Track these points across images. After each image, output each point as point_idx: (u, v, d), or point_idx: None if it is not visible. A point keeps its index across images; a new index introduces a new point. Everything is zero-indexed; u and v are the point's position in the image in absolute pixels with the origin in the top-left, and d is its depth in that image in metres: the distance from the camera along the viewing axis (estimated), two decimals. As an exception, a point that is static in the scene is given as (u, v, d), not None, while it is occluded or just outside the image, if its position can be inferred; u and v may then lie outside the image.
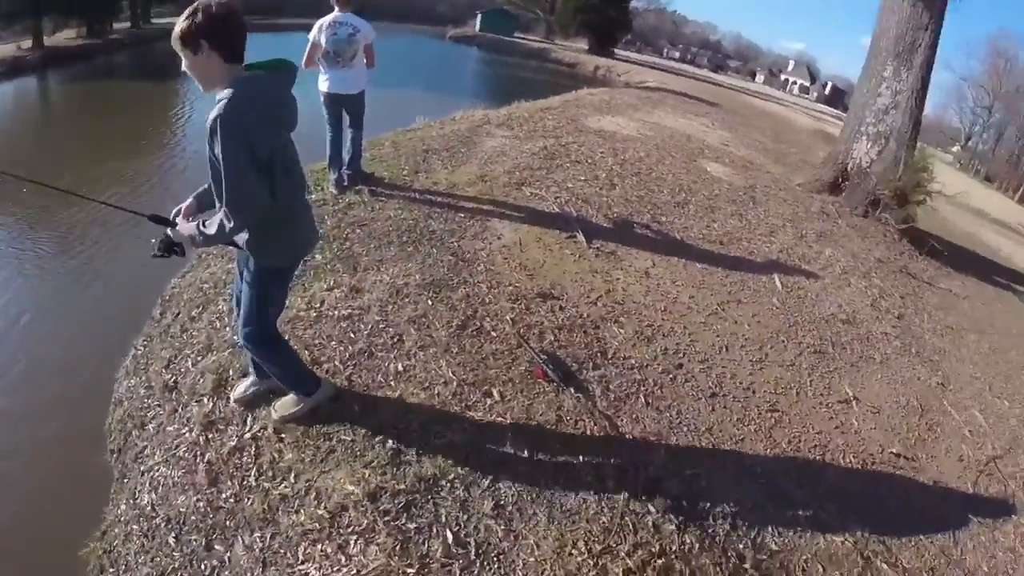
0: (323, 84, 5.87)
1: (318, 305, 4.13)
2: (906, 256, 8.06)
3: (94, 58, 35.90)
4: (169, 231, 2.51)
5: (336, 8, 5.72)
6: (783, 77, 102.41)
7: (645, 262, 5.58)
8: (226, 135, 2.15)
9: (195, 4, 2.19)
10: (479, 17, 63.83)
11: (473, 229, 5.49)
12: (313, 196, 6.05)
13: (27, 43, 40.54)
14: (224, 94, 2.20)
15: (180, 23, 2.20)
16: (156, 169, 10.33)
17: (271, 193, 2.38)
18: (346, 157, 6.19)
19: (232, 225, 2.30)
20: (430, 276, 4.56)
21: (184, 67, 2.28)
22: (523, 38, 59.98)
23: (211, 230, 2.35)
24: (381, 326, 3.96)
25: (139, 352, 4.06)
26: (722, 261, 6.06)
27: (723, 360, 4.49)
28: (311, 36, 5.73)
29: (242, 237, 2.51)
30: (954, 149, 60.29)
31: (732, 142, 13.32)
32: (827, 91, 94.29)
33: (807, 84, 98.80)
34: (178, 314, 4.33)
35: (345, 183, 6.17)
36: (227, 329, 3.93)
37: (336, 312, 4.06)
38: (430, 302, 4.25)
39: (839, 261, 6.94)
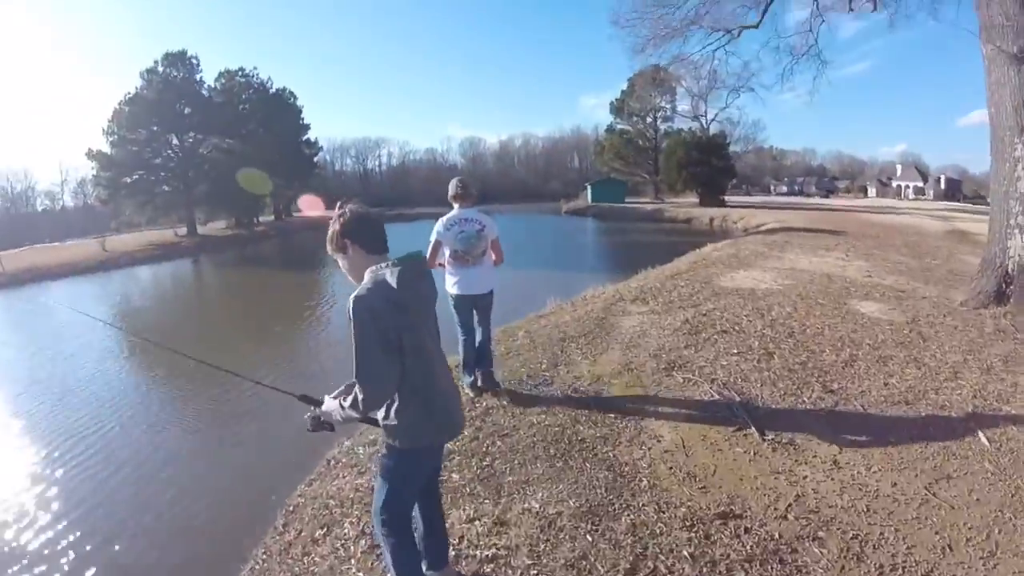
0: (453, 287, 5.61)
1: (456, 542, 3.61)
2: (1099, 356, 6.74)
3: (243, 246, 40.90)
4: (316, 409, 2.76)
5: (457, 205, 5.55)
6: (895, 184, 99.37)
7: (830, 448, 4.73)
8: (356, 315, 2.39)
9: (335, 213, 2.60)
10: (589, 189, 66.71)
11: (627, 432, 4.89)
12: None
13: (183, 230, 46.47)
14: (365, 281, 2.50)
15: (328, 232, 2.62)
16: (307, 352, 11.84)
17: (402, 372, 2.51)
18: (479, 361, 5.87)
19: (363, 399, 2.46)
20: (586, 501, 3.95)
21: (341, 267, 2.67)
22: (634, 202, 61.91)
23: (347, 403, 2.54)
24: (533, 572, 3.36)
25: (256, 567, 3.77)
26: (914, 428, 5.09)
27: (950, 567, 3.49)
28: (433, 236, 5.52)
29: (379, 415, 2.65)
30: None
31: (873, 271, 12.48)
32: (942, 186, 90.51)
33: (920, 184, 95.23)
34: (300, 532, 3.99)
35: (479, 384, 5.83)
36: (352, 561, 3.55)
37: (479, 552, 3.52)
38: (589, 538, 3.60)
39: (1039, 390, 5.80)
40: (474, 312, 5.78)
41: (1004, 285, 8.45)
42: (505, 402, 5.53)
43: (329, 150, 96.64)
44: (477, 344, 5.83)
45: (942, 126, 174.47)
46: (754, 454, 4.61)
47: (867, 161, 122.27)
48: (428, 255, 5.50)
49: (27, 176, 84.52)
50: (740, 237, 25.00)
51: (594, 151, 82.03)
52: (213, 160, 51.11)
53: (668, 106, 69.89)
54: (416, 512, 3.04)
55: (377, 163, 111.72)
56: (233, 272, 31.01)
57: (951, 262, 13.81)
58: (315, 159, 68.99)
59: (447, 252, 5.55)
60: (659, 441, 4.78)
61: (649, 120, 71.04)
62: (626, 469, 4.36)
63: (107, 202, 50.23)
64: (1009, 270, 8.40)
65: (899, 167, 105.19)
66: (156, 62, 49.15)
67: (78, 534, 5.25)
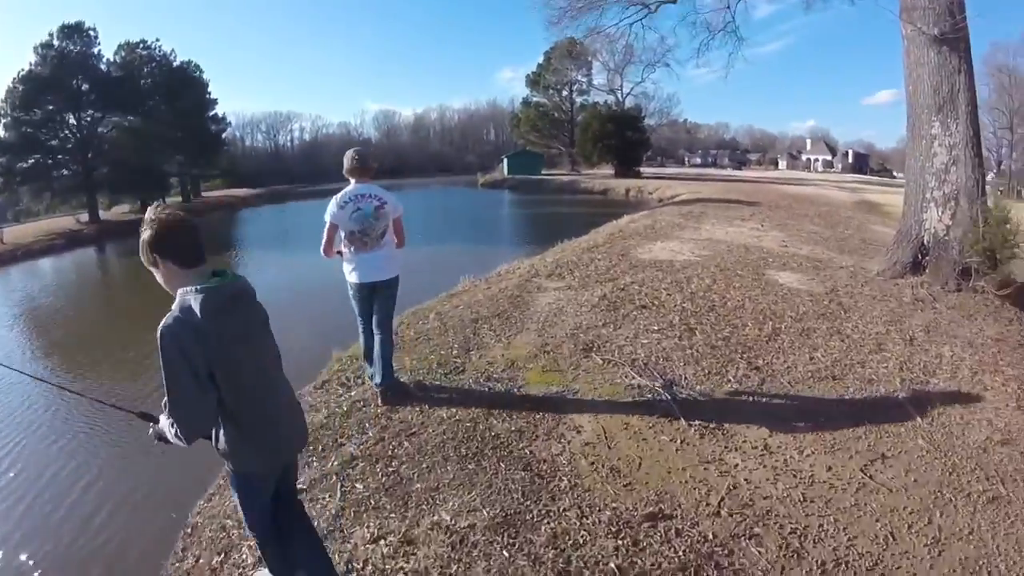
0: (351, 274, 4.84)
1: (360, 566, 3.14)
2: (1017, 324, 6.86)
3: (148, 231, 38.24)
4: (156, 426, 2.49)
5: (353, 180, 4.76)
6: (804, 157, 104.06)
7: (760, 431, 4.45)
8: (162, 347, 2.15)
9: (145, 219, 2.33)
10: (505, 161, 66.42)
11: (545, 425, 4.48)
12: (352, 393, 5.23)
13: (84, 216, 43.47)
14: (174, 306, 2.24)
15: (139, 240, 2.34)
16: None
17: (220, 402, 2.32)
18: (378, 367, 5.03)
19: (178, 432, 2.28)
20: (501, 510, 3.51)
21: (158, 280, 2.38)
22: (550, 174, 62.20)
23: (172, 431, 2.31)
24: (445, 597, 2.93)
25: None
26: (844, 405, 4.90)
27: (895, 557, 3.25)
28: (328, 217, 4.72)
29: (212, 437, 2.48)
30: (989, 178, 58.42)
31: (789, 241, 12.62)
32: (850, 159, 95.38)
33: (829, 158, 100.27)
34: (199, 559, 3.50)
35: (379, 403, 5.01)
36: (253, 596, 3.06)
37: (384, 579, 3.06)
38: (506, 553, 3.18)
39: (963, 361, 5.72)
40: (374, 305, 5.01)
41: (920, 256, 8.67)
42: (414, 394, 5.04)
43: (238, 126, 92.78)
44: (378, 349, 5.01)
45: (849, 104, 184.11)
46: (681, 442, 4.28)
47: (778, 136, 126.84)
48: (324, 242, 4.78)
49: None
50: (656, 208, 25.17)
51: (511, 124, 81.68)
52: (114, 140, 47.84)
53: (584, 80, 70.29)
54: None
55: (289, 138, 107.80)
56: (137, 261, 29.12)
57: (863, 232, 14.14)
58: (223, 135, 65.89)
59: (343, 235, 4.78)
60: (579, 433, 4.39)
61: (565, 93, 71.13)
62: (544, 467, 3.95)
63: (3, 191, 46.44)
64: (925, 242, 8.61)
65: (808, 141, 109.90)
66: (51, 35, 45.44)
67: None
